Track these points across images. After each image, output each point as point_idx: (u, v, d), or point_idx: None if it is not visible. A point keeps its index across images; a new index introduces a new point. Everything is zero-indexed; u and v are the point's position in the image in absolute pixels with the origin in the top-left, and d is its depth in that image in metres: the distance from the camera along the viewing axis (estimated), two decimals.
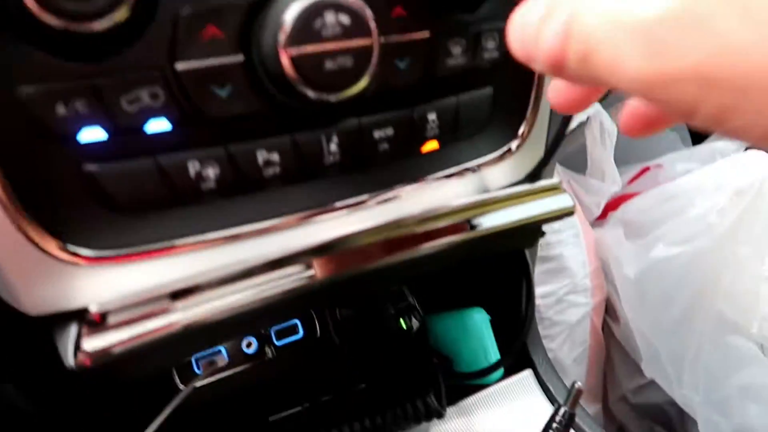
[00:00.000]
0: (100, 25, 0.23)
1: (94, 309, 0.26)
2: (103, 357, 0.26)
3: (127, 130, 0.26)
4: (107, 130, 0.26)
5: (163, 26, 0.25)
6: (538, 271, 0.84)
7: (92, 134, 0.26)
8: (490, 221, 0.36)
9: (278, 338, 0.54)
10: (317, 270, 0.31)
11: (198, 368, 0.49)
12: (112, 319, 0.27)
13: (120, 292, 0.28)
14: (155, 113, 0.26)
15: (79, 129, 0.25)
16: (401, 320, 0.50)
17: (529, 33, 0.19)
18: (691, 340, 0.74)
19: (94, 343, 0.26)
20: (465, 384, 0.51)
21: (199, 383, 0.48)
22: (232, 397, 0.54)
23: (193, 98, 0.26)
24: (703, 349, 0.73)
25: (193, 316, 0.28)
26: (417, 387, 0.45)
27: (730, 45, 0.14)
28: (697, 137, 1.14)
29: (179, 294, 0.28)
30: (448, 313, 0.53)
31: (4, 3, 0.22)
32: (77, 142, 0.25)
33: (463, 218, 0.35)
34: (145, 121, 0.26)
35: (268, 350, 0.54)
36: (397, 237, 0.33)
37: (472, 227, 0.35)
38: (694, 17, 0.14)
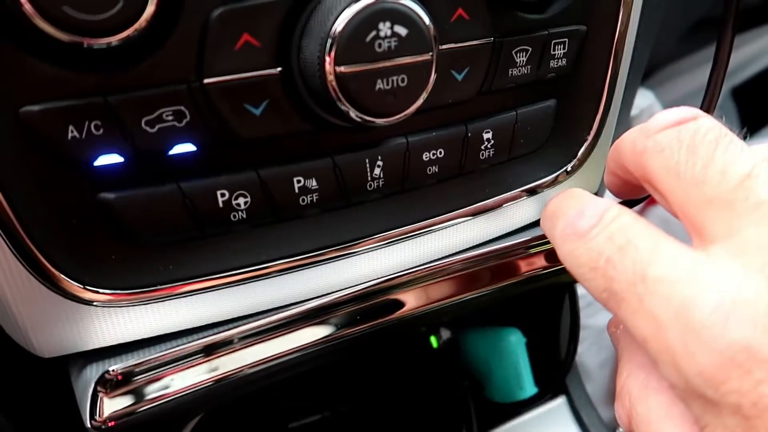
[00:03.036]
0: (114, 39, 0.19)
1: (115, 369, 0.23)
2: (127, 420, 0.24)
3: (147, 154, 0.23)
4: (125, 155, 0.22)
5: (189, 33, 0.21)
6: None
7: (108, 159, 0.22)
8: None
9: None
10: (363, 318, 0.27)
11: None
12: (137, 379, 0.25)
13: (138, 333, 0.25)
14: (180, 135, 0.23)
15: (93, 153, 0.22)
16: (432, 338, 0.47)
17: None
18: None
19: (115, 405, 0.23)
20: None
21: None
22: (250, 401, 0.52)
23: (223, 117, 0.23)
24: None
25: (228, 372, 0.25)
26: (445, 411, 0.42)
27: None
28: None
29: (212, 348, 0.25)
30: (481, 331, 0.49)
31: (4, 9, 0.18)
32: (91, 168, 0.22)
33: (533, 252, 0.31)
34: (168, 143, 0.23)
35: None
36: (457, 275, 0.29)
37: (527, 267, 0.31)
38: None
